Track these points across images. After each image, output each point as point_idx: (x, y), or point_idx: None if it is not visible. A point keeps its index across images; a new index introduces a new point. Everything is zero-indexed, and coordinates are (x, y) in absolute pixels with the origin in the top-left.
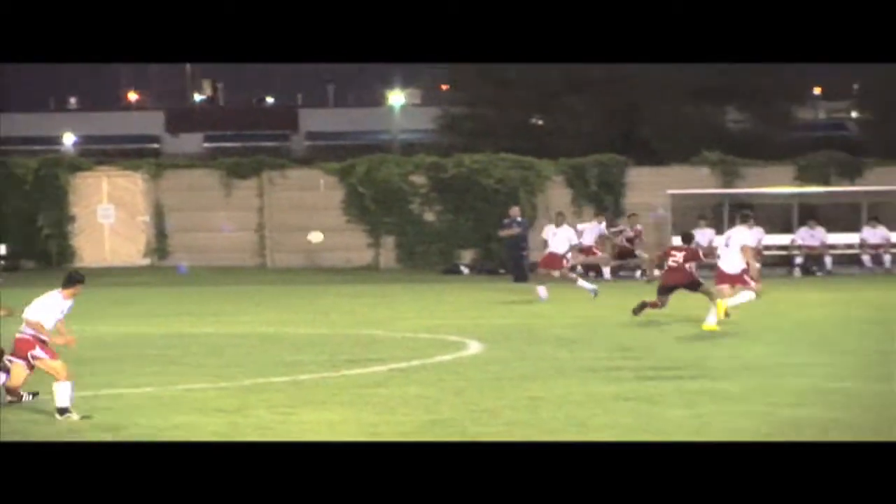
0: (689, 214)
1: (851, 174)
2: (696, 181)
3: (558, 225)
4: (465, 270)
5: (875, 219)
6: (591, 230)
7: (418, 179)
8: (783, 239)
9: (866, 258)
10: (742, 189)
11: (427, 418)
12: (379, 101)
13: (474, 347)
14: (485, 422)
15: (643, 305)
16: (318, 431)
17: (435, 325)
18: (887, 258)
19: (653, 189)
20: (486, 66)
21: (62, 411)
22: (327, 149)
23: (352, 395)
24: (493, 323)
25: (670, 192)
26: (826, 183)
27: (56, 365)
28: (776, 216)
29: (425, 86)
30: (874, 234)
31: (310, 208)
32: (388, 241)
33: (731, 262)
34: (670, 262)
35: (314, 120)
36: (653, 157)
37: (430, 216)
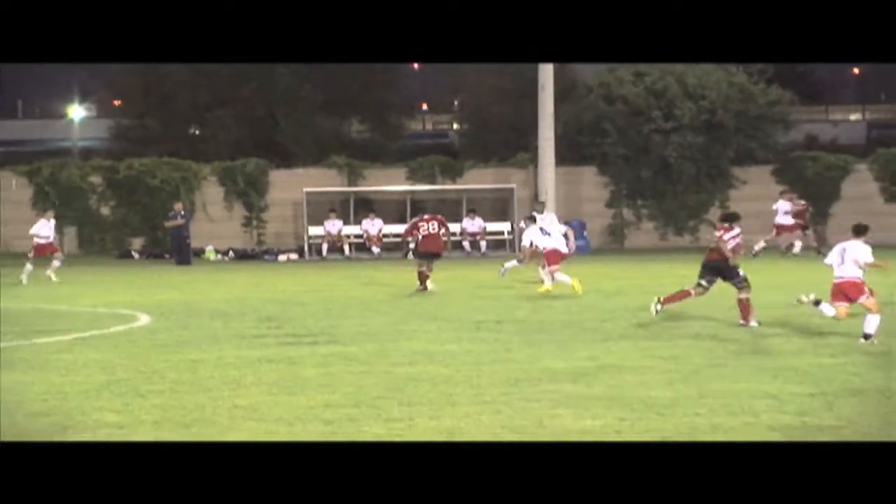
0: (320, 208)
1: (453, 175)
2: (326, 180)
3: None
4: (136, 255)
5: (473, 211)
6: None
7: (95, 179)
8: (399, 228)
9: (466, 244)
10: (365, 187)
11: (104, 378)
12: (61, 113)
13: (144, 319)
14: (154, 381)
15: (423, 278)
16: (10, 390)
17: (111, 301)
18: (483, 244)
19: (291, 187)
20: (151, 85)
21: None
22: (18, 154)
23: (41, 360)
24: (159, 299)
25: (305, 189)
26: (433, 182)
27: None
28: (393, 209)
29: (100, 100)
30: (473, 224)
31: (3, 202)
32: (71, 231)
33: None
34: (423, 230)
35: (4, 130)
36: (290, 160)
37: (105, 210)
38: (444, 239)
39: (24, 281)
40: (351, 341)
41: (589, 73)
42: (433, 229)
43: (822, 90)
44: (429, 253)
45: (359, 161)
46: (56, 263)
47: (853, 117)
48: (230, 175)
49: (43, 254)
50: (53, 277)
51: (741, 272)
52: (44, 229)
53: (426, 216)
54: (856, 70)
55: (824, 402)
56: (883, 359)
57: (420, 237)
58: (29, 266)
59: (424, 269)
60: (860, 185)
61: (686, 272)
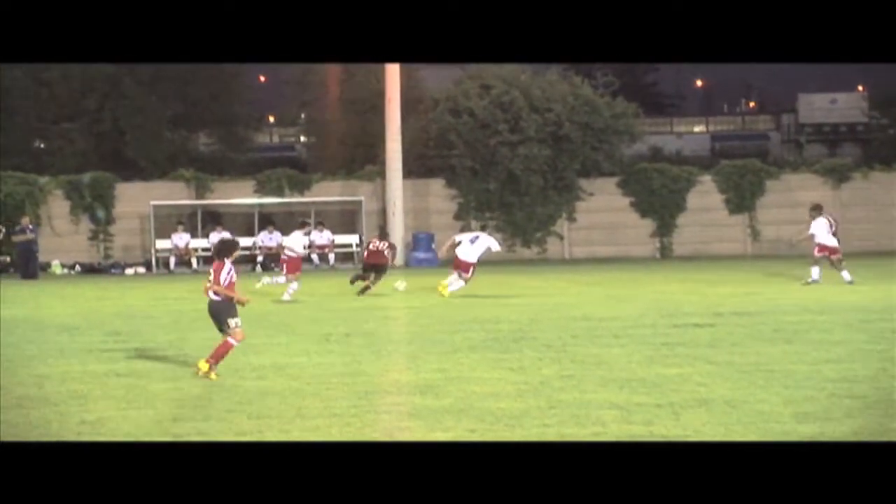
0: (168, 221)
1: (301, 187)
2: (173, 193)
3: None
4: None
5: (321, 224)
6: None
7: None
8: (247, 241)
9: (314, 257)
10: (213, 200)
11: None
12: None
13: None
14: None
15: (359, 281)
16: None
17: None
18: (332, 257)
19: (138, 200)
20: None
21: None
22: None
23: None
24: (5, 313)
25: (153, 202)
26: (280, 195)
27: None
28: (241, 223)
29: None
30: (321, 236)
31: None
32: None
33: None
34: (371, 247)
35: None
36: (138, 173)
37: None
38: (387, 255)
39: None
40: (199, 354)
41: (435, 85)
42: (380, 247)
43: (667, 102)
44: (371, 265)
45: (206, 174)
46: (295, 285)
47: (697, 129)
48: (76, 188)
49: (295, 270)
50: (287, 297)
51: None
52: (298, 243)
53: (377, 236)
54: (699, 82)
55: (671, 412)
56: (728, 368)
57: (366, 252)
58: (295, 284)
59: (368, 279)
60: (704, 197)
61: (534, 283)
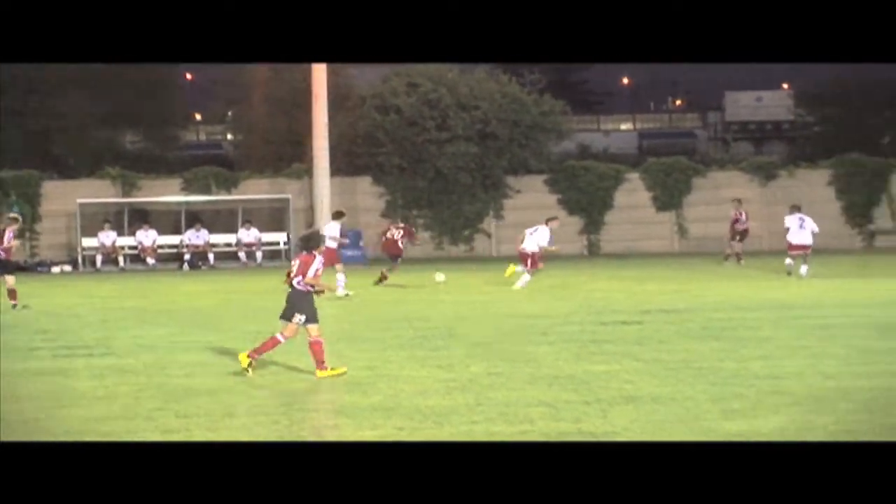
0: (94, 219)
1: (228, 185)
2: (101, 191)
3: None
4: None
5: (249, 222)
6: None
7: None
8: (174, 239)
9: (242, 255)
10: (140, 198)
11: None
12: None
13: None
14: None
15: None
16: None
17: None
18: (259, 254)
19: (65, 198)
20: None
21: None
22: None
23: None
24: None
25: (79, 200)
26: (208, 192)
27: None
28: (168, 220)
29: None
30: (248, 234)
31: None
32: None
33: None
34: (388, 235)
35: None
36: (66, 171)
37: None
38: (401, 244)
39: (343, 293)
40: (127, 353)
41: (363, 83)
42: (395, 236)
43: (594, 100)
44: (387, 255)
45: (133, 172)
46: (341, 277)
47: (624, 127)
48: (2, 187)
49: (332, 262)
50: (343, 292)
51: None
52: (335, 232)
53: (397, 224)
54: (626, 80)
55: (599, 410)
56: (655, 366)
57: (383, 240)
58: (342, 276)
59: (385, 269)
60: (632, 195)
61: (462, 281)
